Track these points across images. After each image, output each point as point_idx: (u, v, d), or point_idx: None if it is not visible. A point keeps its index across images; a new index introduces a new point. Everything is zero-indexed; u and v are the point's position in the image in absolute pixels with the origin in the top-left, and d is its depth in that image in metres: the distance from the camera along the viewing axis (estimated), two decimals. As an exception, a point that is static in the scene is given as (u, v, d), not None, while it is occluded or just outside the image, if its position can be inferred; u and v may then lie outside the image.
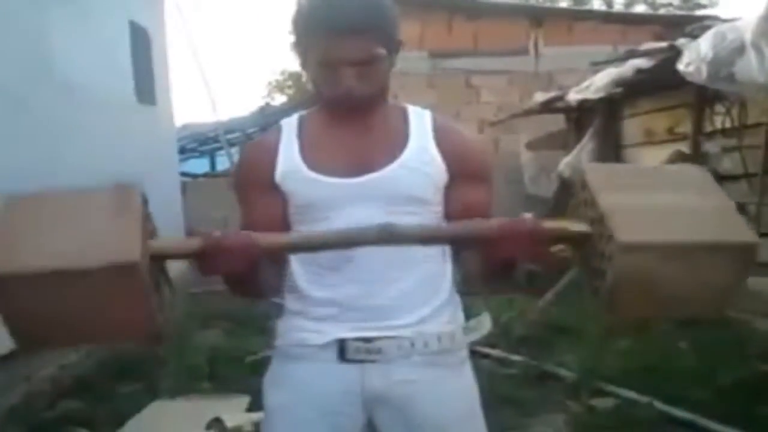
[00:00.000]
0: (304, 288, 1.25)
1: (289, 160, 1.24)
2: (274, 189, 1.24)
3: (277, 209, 1.24)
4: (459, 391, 1.29)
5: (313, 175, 1.21)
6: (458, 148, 1.26)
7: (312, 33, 1.17)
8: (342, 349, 1.21)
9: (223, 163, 10.11)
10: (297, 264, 1.26)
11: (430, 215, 1.24)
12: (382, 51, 1.17)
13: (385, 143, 1.23)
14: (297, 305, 1.27)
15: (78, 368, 4.05)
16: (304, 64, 1.23)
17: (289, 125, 1.29)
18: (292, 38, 1.23)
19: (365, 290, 1.21)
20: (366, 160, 1.22)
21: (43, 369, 3.70)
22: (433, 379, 1.24)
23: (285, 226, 1.25)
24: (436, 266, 1.27)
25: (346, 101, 1.19)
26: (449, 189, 1.25)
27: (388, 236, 1.07)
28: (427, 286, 1.25)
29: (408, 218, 1.21)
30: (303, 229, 1.24)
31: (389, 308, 1.22)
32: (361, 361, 1.21)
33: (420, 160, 1.23)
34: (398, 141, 1.24)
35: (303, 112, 1.33)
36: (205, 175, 10.23)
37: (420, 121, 1.27)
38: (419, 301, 1.24)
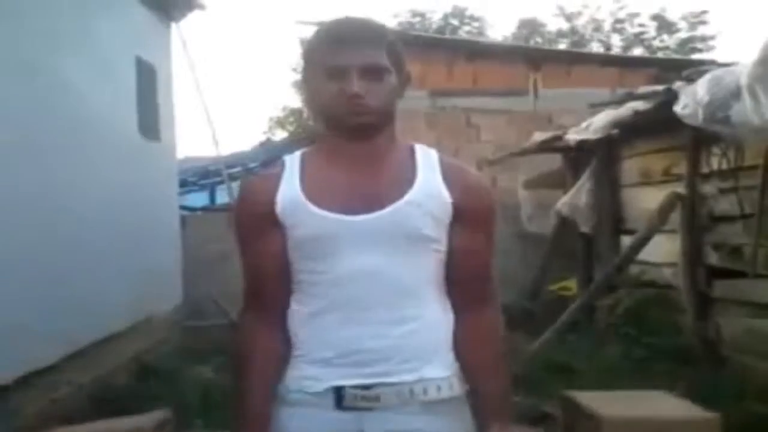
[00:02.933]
0: (304, 330, 1.24)
1: (290, 194, 1.21)
2: (274, 224, 1.22)
3: (278, 245, 1.22)
4: None
5: (315, 210, 1.19)
6: (466, 184, 1.25)
7: (322, 48, 1.19)
8: (339, 397, 1.19)
9: (222, 196, 10.11)
10: (296, 305, 1.25)
11: (432, 253, 1.22)
12: (388, 64, 1.19)
13: (392, 178, 1.21)
14: (295, 348, 1.25)
15: (68, 403, 3.98)
16: (309, 93, 1.24)
17: (292, 160, 1.27)
18: (299, 69, 1.27)
19: (365, 332, 1.19)
20: (372, 196, 1.19)
21: (31, 404, 3.63)
22: (432, 426, 1.21)
23: (285, 262, 1.23)
24: (437, 312, 1.25)
25: (353, 115, 1.17)
26: (453, 228, 1.23)
27: None
28: (427, 330, 1.23)
29: (409, 257, 1.19)
30: (303, 265, 1.22)
31: (389, 351, 1.19)
32: (359, 409, 1.19)
33: (427, 195, 1.20)
34: (406, 176, 1.22)
35: (305, 149, 1.30)
36: (204, 208, 10.21)
37: (427, 157, 1.26)
38: (419, 344, 1.21)
